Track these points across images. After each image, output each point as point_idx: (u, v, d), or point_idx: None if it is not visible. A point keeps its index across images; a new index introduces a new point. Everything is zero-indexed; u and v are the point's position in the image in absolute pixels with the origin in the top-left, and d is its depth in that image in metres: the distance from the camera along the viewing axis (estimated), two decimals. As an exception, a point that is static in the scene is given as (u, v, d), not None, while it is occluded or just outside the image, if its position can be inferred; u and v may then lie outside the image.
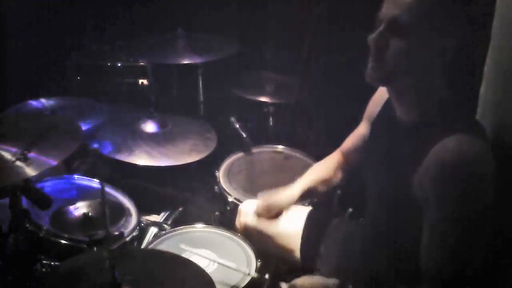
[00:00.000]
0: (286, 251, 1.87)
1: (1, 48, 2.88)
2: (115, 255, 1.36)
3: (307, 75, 2.95)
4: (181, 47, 2.77)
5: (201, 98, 3.04)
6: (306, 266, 1.81)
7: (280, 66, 3.05)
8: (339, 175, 1.92)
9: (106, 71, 3.03)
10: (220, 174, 2.31)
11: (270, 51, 3.19)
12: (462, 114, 1.41)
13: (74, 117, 2.47)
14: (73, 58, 3.06)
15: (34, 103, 2.53)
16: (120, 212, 2.01)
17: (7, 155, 1.66)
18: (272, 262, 1.89)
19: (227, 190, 2.21)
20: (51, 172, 2.03)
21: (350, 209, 2.15)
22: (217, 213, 2.29)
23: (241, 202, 2.14)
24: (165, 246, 1.85)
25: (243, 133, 2.58)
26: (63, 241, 1.81)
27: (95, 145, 2.28)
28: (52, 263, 1.81)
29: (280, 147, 2.54)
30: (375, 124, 1.64)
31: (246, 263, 1.79)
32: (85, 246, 1.76)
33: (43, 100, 2.54)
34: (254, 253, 1.82)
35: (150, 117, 2.47)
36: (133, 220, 2.02)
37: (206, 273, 1.48)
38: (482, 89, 1.66)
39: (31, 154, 1.67)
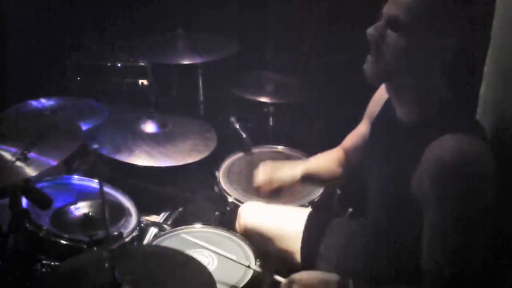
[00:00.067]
0: (286, 253, 1.87)
1: (1, 48, 2.88)
2: (115, 255, 1.36)
3: (307, 75, 2.95)
4: (181, 47, 2.77)
5: (201, 98, 3.04)
6: (306, 266, 1.81)
7: (280, 66, 3.05)
8: (339, 171, 1.90)
9: (106, 71, 3.03)
10: (220, 174, 2.31)
11: (270, 51, 3.19)
12: (462, 114, 1.41)
13: (74, 117, 2.47)
14: (73, 58, 3.06)
15: (34, 103, 2.53)
16: (120, 212, 2.01)
17: (7, 155, 1.66)
18: (272, 263, 1.89)
19: (227, 190, 2.21)
20: (51, 172, 2.03)
21: (350, 209, 2.15)
22: (217, 213, 2.29)
23: (241, 202, 2.14)
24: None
25: (243, 133, 2.58)
26: (63, 241, 1.82)
27: (95, 145, 2.28)
28: (52, 263, 1.81)
29: (280, 147, 2.54)
30: (375, 124, 1.64)
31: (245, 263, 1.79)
32: (85, 246, 1.76)
33: (43, 100, 2.54)
34: (254, 253, 1.82)
35: (150, 117, 2.47)
36: (133, 220, 2.02)
37: (208, 271, 1.48)
38: (482, 89, 1.66)
39: (31, 154, 1.67)
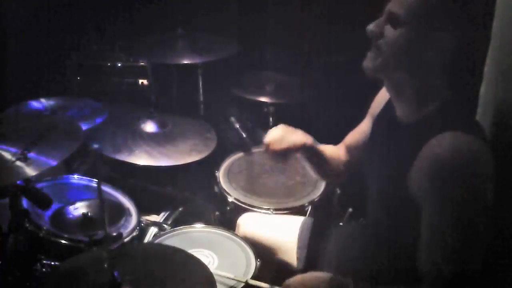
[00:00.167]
0: (285, 262, 1.88)
1: (1, 48, 2.87)
2: (115, 255, 1.36)
3: (307, 75, 2.95)
4: (181, 47, 2.77)
5: (201, 98, 3.03)
6: (305, 269, 1.82)
7: (280, 66, 3.05)
8: (341, 167, 1.87)
9: (106, 71, 3.03)
10: (220, 174, 2.31)
11: (270, 51, 3.19)
12: (462, 114, 1.41)
13: (74, 117, 2.47)
14: (73, 58, 3.06)
15: (34, 103, 2.53)
16: (120, 212, 2.00)
17: (7, 155, 1.66)
18: (272, 268, 1.89)
19: (227, 190, 2.22)
20: (51, 172, 2.03)
21: (350, 209, 2.15)
22: (217, 213, 2.29)
23: (241, 202, 2.14)
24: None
25: (243, 133, 2.58)
26: (63, 241, 1.82)
27: (95, 145, 2.28)
28: (52, 263, 1.81)
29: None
30: (376, 124, 1.64)
31: (245, 263, 1.79)
32: (85, 246, 1.76)
33: (43, 100, 2.54)
34: (254, 253, 1.82)
35: (150, 117, 2.46)
36: (133, 220, 2.02)
37: (208, 269, 1.48)
38: (482, 89, 1.66)
39: (31, 154, 1.67)
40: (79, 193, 2.08)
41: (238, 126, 2.62)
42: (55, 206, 1.75)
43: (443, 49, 1.35)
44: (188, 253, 1.58)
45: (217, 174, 2.31)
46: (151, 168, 2.24)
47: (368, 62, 1.42)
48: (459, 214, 1.28)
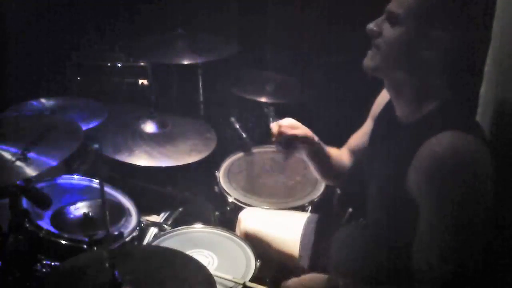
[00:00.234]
0: (286, 257, 1.88)
1: (1, 48, 2.87)
2: (115, 255, 1.36)
3: (307, 75, 2.95)
4: (181, 47, 2.76)
5: (201, 98, 3.03)
6: (306, 270, 1.81)
7: (280, 66, 3.05)
8: (344, 169, 1.87)
9: (106, 71, 3.03)
10: (220, 174, 2.31)
11: (270, 51, 3.19)
12: (462, 114, 1.41)
13: (74, 117, 2.46)
14: (73, 58, 3.06)
15: (34, 103, 2.52)
16: (120, 212, 2.00)
17: (7, 155, 1.66)
18: (272, 267, 1.89)
19: (227, 190, 2.22)
20: (51, 172, 2.03)
21: (350, 209, 2.15)
22: (217, 213, 2.29)
23: (241, 202, 2.14)
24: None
25: (243, 133, 2.58)
26: (63, 241, 1.82)
27: (95, 145, 2.28)
28: (52, 263, 1.81)
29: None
30: (376, 124, 1.64)
31: (245, 263, 1.79)
32: (85, 246, 1.76)
33: (43, 100, 2.54)
34: (254, 254, 1.82)
35: (150, 117, 2.47)
36: (133, 220, 2.02)
37: (207, 270, 1.48)
38: (482, 89, 1.66)
39: (31, 154, 1.67)
40: (79, 193, 2.08)
41: (238, 126, 2.63)
42: (55, 206, 1.75)
43: (443, 49, 1.35)
44: (187, 255, 1.57)
45: (217, 174, 2.31)
46: (151, 168, 2.24)
47: (367, 61, 1.43)
48: (458, 213, 1.27)
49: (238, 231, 2.01)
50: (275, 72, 3.02)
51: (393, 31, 1.36)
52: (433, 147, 1.29)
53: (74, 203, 1.77)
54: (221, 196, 2.23)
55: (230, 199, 2.17)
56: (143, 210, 2.12)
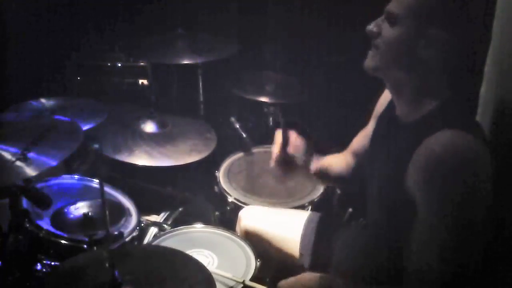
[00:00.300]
0: (286, 256, 1.87)
1: (1, 48, 2.87)
2: (115, 255, 1.36)
3: (307, 75, 2.95)
4: (181, 47, 2.76)
5: (201, 98, 3.03)
6: (306, 268, 1.81)
7: (280, 66, 3.05)
8: (349, 171, 1.87)
9: (106, 71, 3.03)
10: (220, 174, 2.31)
11: (270, 51, 3.19)
12: (462, 114, 1.41)
13: (74, 117, 2.46)
14: (73, 58, 3.06)
15: (34, 103, 2.53)
16: (120, 212, 2.00)
17: (7, 155, 1.66)
18: (272, 266, 1.89)
19: (227, 190, 2.22)
20: (51, 172, 2.03)
21: (350, 209, 2.15)
22: (217, 213, 2.29)
23: (241, 202, 2.14)
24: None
25: (243, 133, 2.58)
26: (63, 241, 1.82)
27: (95, 145, 2.28)
28: (52, 263, 1.81)
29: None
30: (377, 124, 1.64)
31: (245, 263, 1.79)
32: (85, 246, 1.76)
33: (43, 100, 2.54)
34: (254, 253, 1.82)
35: (150, 117, 2.47)
36: (133, 220, 2.02)
37: (207, 270, 1.48)
38: (482, 89, 1.66)
39: (31, 154, 1.67)
40: (79, 193, 2.08)
41: (238, 126, 2.64)
42: (55, 206, 1.75)
43: (442, 48, 1.34)
44: (187, 255, 1.57)
45: (217, 174, 2.31)
46: (151, 168, 2.24)
47: (368, 61, 1.44)
48: (458, 213, 1.27)
49: (238, 229, 2.01)
50: (275, 72, 3.02)
51: (393, 31, 1.37)
52: (432, 146, 1.29)
53: (74, 203, 1.77)
54: (221, 196, 2.23)
55: (230, 199, 2.17)
56: (143, 210, 2.12)
